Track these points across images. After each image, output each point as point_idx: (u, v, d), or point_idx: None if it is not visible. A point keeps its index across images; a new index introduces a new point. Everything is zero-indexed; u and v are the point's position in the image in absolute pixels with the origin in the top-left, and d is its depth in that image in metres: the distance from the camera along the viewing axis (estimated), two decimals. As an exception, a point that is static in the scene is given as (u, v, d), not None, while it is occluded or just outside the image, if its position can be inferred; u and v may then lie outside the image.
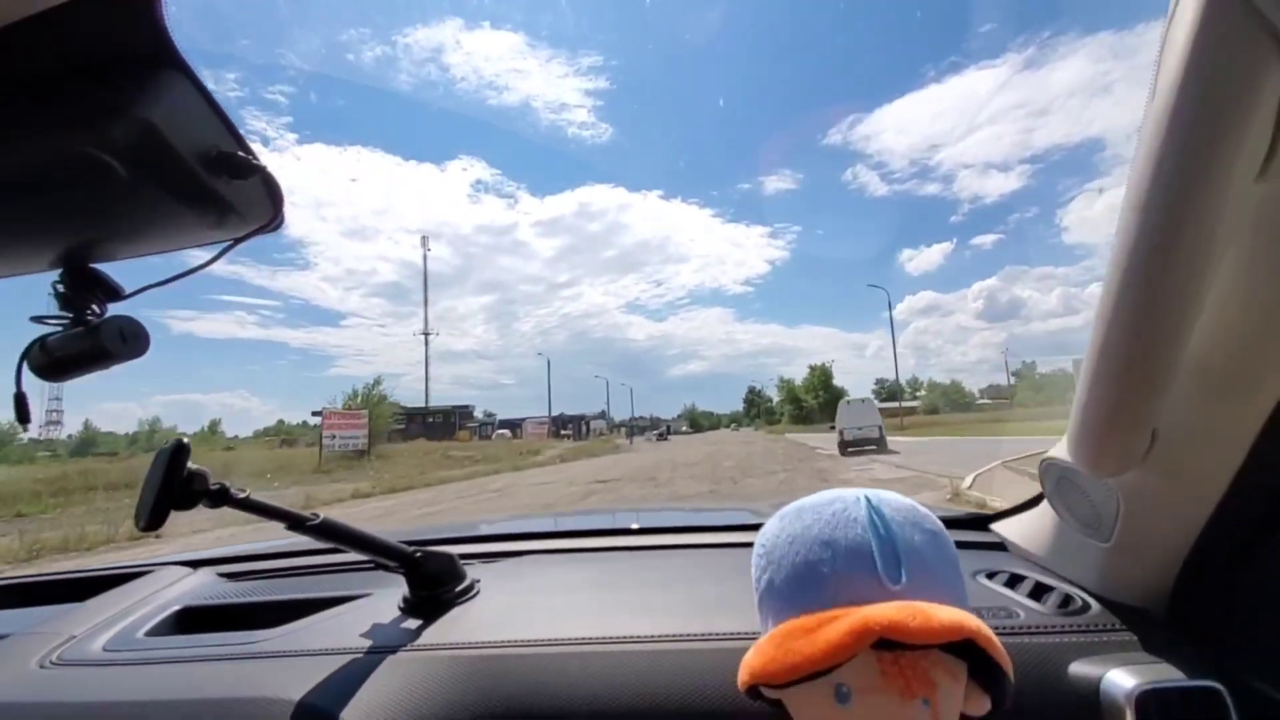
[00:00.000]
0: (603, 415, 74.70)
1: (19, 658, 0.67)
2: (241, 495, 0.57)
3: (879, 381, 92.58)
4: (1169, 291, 0.37)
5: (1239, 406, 0.46)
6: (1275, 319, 0.41)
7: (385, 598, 0.74)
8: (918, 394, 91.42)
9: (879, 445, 17.39)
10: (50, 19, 0.34)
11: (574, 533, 1.00)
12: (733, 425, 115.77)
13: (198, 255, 0.52)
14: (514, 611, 0.70)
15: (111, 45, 0.38)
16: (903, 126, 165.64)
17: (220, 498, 0.56)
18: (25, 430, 0.51)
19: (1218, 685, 0.50)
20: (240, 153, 0.45)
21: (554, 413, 69.01)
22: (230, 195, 0.45)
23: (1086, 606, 0.63)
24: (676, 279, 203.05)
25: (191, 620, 0.78)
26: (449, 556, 0.74)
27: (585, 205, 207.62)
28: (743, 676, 0.44)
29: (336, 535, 0.64)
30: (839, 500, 0.47)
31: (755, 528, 0.82)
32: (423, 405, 65.63)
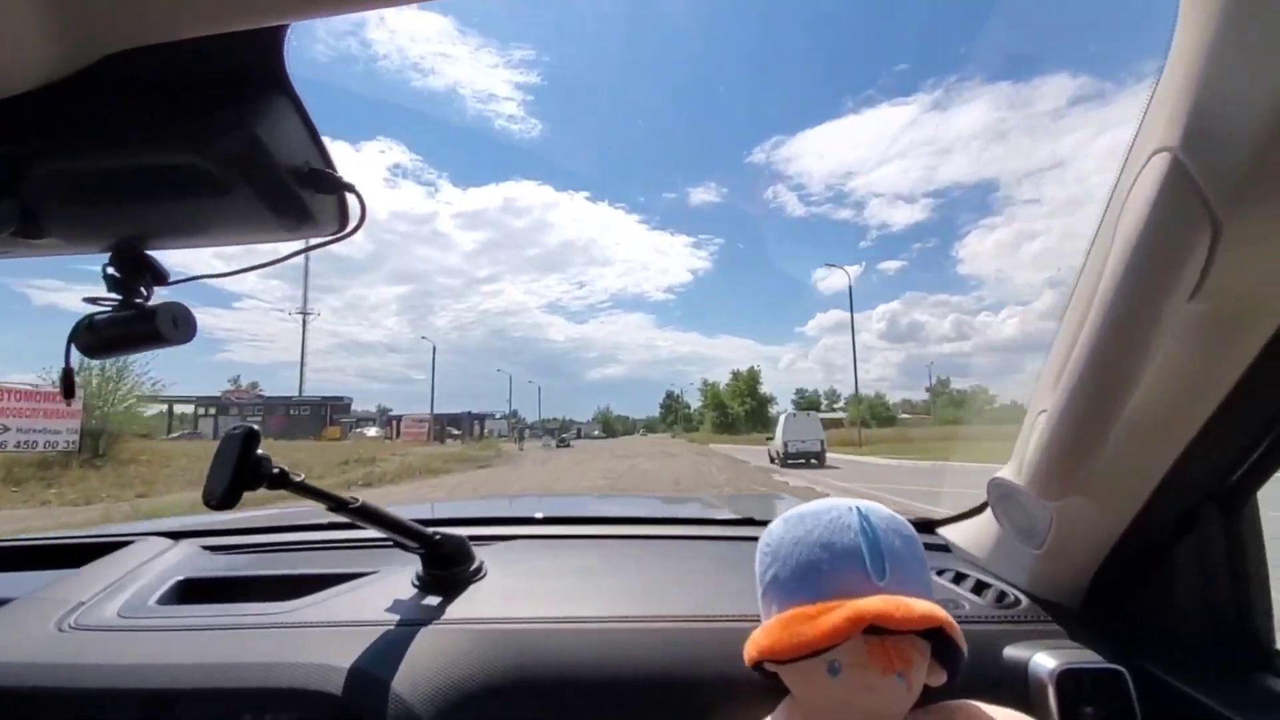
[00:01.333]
0: (504, 415, 65.84)
1: (36, 622, 0.71)
2: (298, 479, 0.63)
3: (799, 391, 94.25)
4: (1123, 370, 0.50)
5: (1152, 447, 0.60)
6: (1183, 387, 0.56)
7: (393, 576, 0.82)
8: (835, 406, 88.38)
9: (819, 460, 18.84)
10: (188, 40, 0.39)
11: (572, 519, 1.10)
12: (642, 430, 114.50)
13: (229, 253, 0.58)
14: (522, 592, 0.79)
15: (235, 66, 0.43)
16: (821, 152, 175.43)
17: (280, 481, 0.62)
18: (70, 403, 0.45)
19: (1121, 668, 0.63)
20: (327, 170, 0.50)
21: (456, 410, 63.23)
22: (312, 205, 0.51)
23: (1018, 601, 0.76)
24: (599, 282, 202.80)
25: (194, 591, 0.84)
26: (462, 540, 0.81)
27: (510, 200, 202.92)
28: (750, 653, 0.54)
29: (371, 517, 0.71)
30: (834, 509, 0.58)
31: (735, 523, 1.07)
32: (292, 395, 59.74)
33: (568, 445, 39.66)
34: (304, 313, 60.24)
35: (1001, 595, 0.78)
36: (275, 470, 0.60)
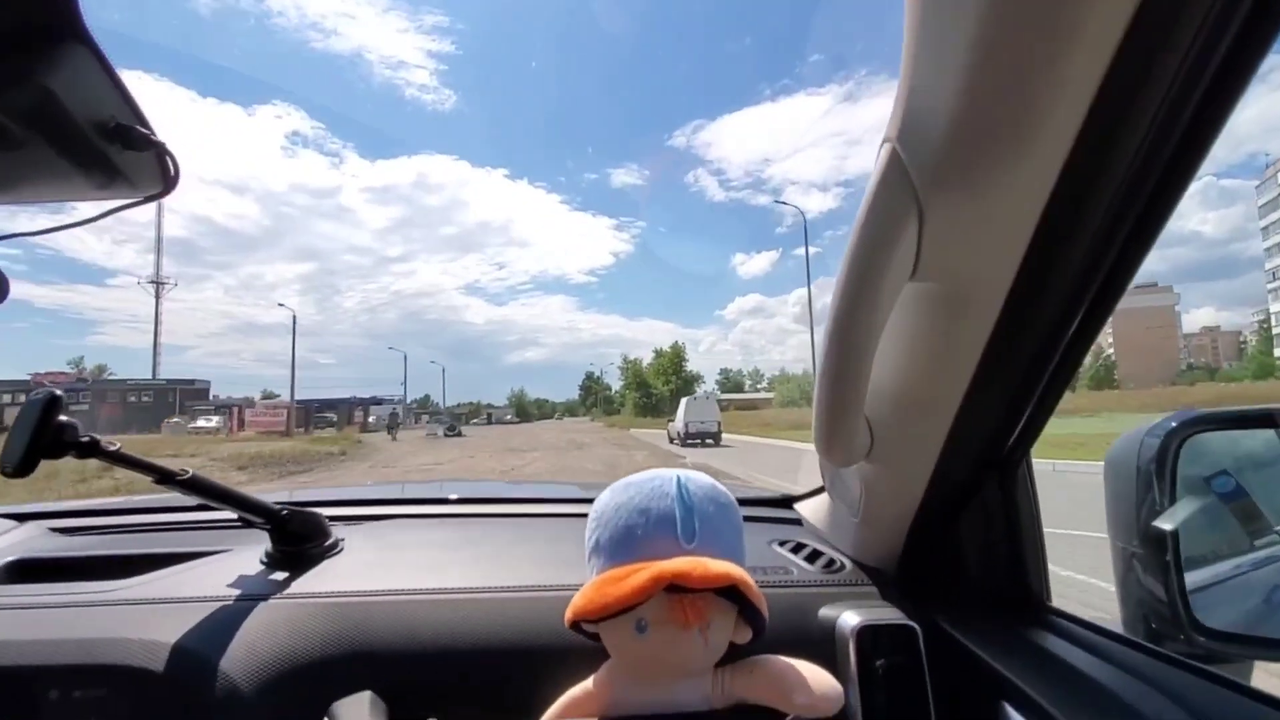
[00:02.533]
0: (399, 400, 57.04)
1: None
2: (113, 448, 0.62)
3: (723, 371, 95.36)
4: (855, 341, 0.55)
5: (928, 419, 0.65)
6: (937, 362, 0.61)
7: (244, 553, 0.82)
8: (759, 386, 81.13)
9: (715, 439, 21.07)
10: None
11: (431, 500, 1.16)
12: (560, 414, 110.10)
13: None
14: (374, 566, 0.81)
15: (20, 17, 0.42)
16: (740, 138, 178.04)
17: (90, 449, 0.60)
18: None
19: (913, 624, 0.70)
20: (137, 126, 0.49)
21: (343, 395, 57.88)
22: (122, 163, 0.50)
23: (843, 567, 0.85)
24: (519, 263, 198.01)
25: (25, 573, 0.82)
26: (314, 515, 0.83)
27: (423, 175, 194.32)
28: (568, 615, 0.57)
29: (205, 491, 0.70)
30: (658, 478, 0.62)
31: (585, 501, 1.01)
32: (146, 378, 53.72)
33: (456, 434, 33.76)
34: (157, 281, 54.76)
35: (831, 562, 0.87)
36: (84, 438, 0.59)
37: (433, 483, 2.55)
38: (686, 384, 63.58)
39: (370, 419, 55.04)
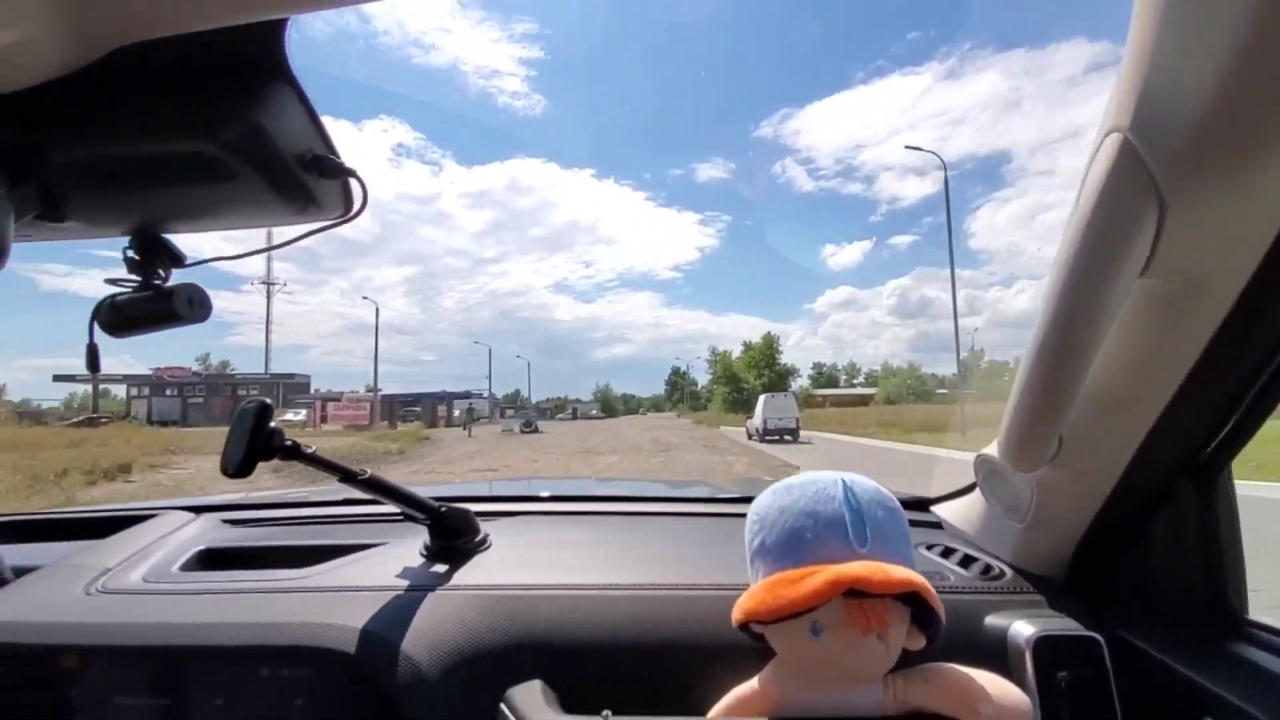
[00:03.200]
0: (487, 395, 59.50)
1: (65, 586, 0.79)
2: (309, 451, 0.70)
3: (815, 366, 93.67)
4: (1076, 345, 0.55)
5: (1124, 423, 0.65)
6: (1147, 361, 0.60)
7: (403, 546, 0.90)
8: (855, 381, 73.95)
9: (793, 436, 22.35)
10: (195, 33, 0.42)
11: (573, 498, 1.22)
12: (642, 410, 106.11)
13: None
14: (524, 561, 0.86)
15: (239, 58, 0.47)
16: (830, 125, 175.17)
17: (293, 452, 0.68)
18: (95, 376, 0.55)
19: (1097, 635, 0.68)
20: (330, 156, 0.55)
21: (432, 390, 58.05)
22: (316, 190, 0.55)
23: (1002, 574, 0.82)
24: (606, 261, 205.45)
25: (212, 561, 0.92)
26: (467, 512, 0.89)
27: (515, 179, 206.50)
28: (736, 615, 0.59)
29: (379, 489, 0.77)
30: (820, 480, 0.62)
31: (722, 500, 1.19)
32: (257, 373, 57.11)
33: (533, 431, 32.53)
34: (268, 282, 59.46)
35: (987, 568, 0.85)
36: (288, 443, 0.67)
37: (571, 480, 2.76)
38: (780, 377, 58.90)
39: (455, 413, 55.01)
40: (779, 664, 0.62)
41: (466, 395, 66.88)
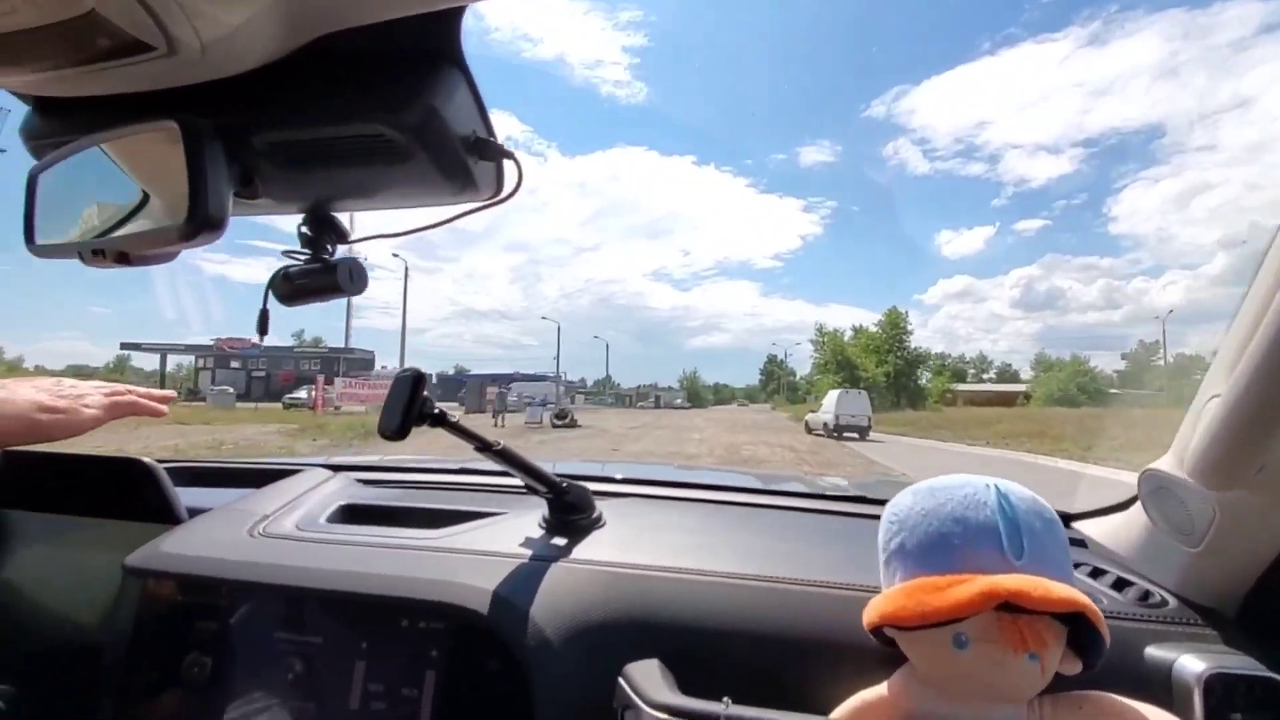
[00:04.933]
0: (552, 377, 59.53)
1: (232, 529, 0.93)
2: (454, 421, 0.76)
3: (939, 356, 76.93)
4: None
5: None
6: None
7: (523, 517, 0.97)
8: (984, 375, 60.31)
9: (862, 434, 22.39)
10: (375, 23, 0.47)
11: (684, 484, 1.26)
12: (739, 401, 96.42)
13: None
14: (637, 542, 0.90)
15: (418, 43, 0.50)
16: (951, 101, 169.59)
17: (440, 420, 0.74)
18: (262, 341, 0.69)
19: None
20: (492, 139, 0.58)
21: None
22: (475, 171, 0.58)
23: (1165, 602, 0.78)
24: (704, 249, 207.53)
25: (353, 515, 1.05)
26: (585, 489, 0.95)
27: (615, 168, 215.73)
28: (871, 617, 0.58)
29: (511, 460, 0.82)
30: (970, 485, 0.60)
31: (852, 500, 1.16)
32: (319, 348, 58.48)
33: (567, 424, 25.16)
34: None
35: (1146, 594, 0.80)
36: (436, 410, 0.73)
37: (689, 468, 2.69)
38: (910, 366, 46.43)
39: (512, 397, 48.67)
40: (910, 673, 0.62)
41: (540, 379, 61.14)
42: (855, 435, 22.42)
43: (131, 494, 0.97)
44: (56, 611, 0.96)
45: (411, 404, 0.71)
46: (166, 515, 0.96)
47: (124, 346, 52.99)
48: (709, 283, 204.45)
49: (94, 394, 0.85)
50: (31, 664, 0.89)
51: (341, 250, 0.67)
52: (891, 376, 47.27)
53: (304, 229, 0.66)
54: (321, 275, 0.65)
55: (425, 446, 1.56)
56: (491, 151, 0.58)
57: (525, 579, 0.78)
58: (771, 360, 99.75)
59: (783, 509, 1.13)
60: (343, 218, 0.67)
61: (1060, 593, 0.51)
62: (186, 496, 1.01)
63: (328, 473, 1.21)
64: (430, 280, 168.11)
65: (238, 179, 0.55)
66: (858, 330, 54.26)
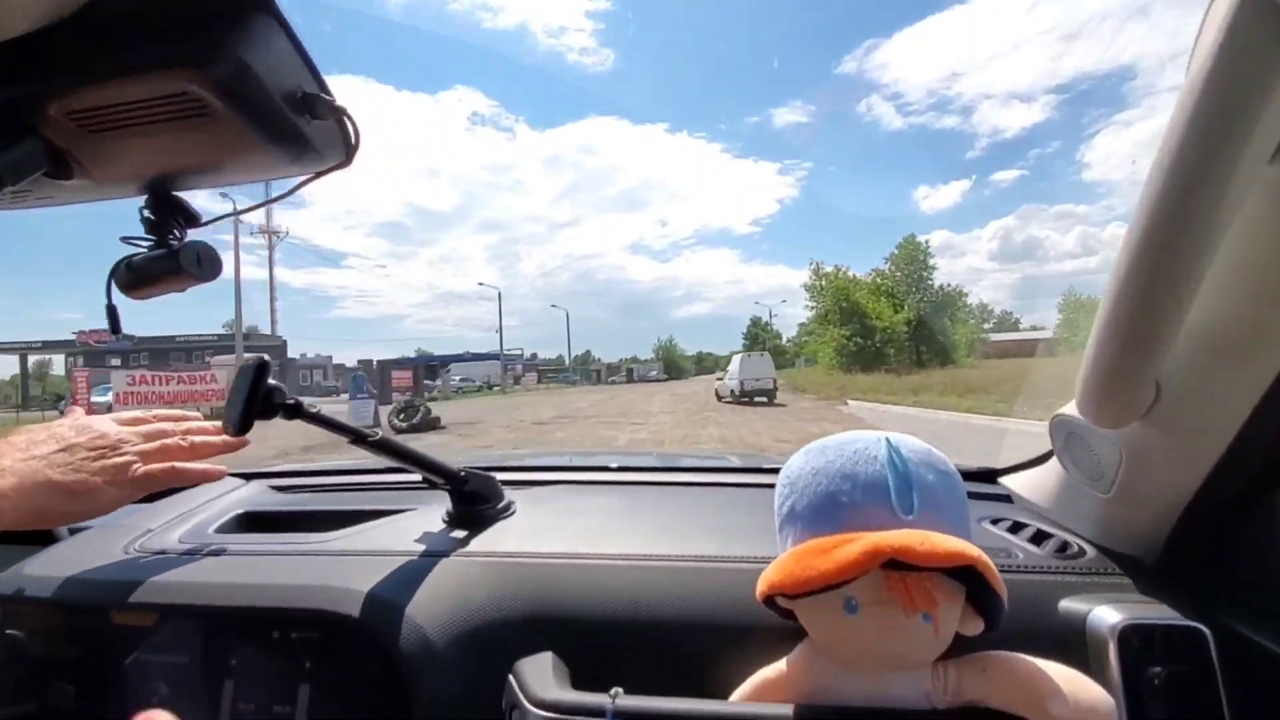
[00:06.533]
0: (495, 355, 41.92)
1: (106, 546, 0.89)
2: (313, 410, 0.73)
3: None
4: (1176, 258, 0.47)
5: (1242, 370, 0.57)
6: (1276, 285, 0.52)
7: (428, 513, 0.96)
8: (984, 325, 62.19)
9: (769, 397, 22.94)
10: None
11: (600, 467, 1.26)
12: (722, 371, 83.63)
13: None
14: (547, 529, 0.90)
15: None
16: (923, 53, 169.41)
17: (295, 410, 0.70)
18: (117, 339, 0.71)
19: (1201, 626, 0.61)
20: (323, 94, 0.55)
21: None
22: (310, 134, 0.55)
23: (1082, 552, 0.78)
24: (682, 218, 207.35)
25: (251, 523, 1.03)
26: (490, 478, 0.95)
27: (587, 139, 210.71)
28: (761, 588, 0.55)
29: (394, 452, 0.80)
30: (860, 440, 0.58)
31: (763, 471, 1.13)
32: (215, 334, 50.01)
33: (417, 427, 16.61)
34: (269, 232, 51.15)
35: (1064, 545, 0.79)
36: (290, 400, 0.69)
37: (595, 452, 2.68)
38: (937, 309, 36.62)
39: (453, 379, 48.46)
40: (810, 645, 0.60)
41: (489, 357, 52.93)
42: (764, 399, 23.05)
43: None
44: None
45: (254, 395, 0.66)
46: (42, 535, 0.92)
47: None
48: (689, 252, 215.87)
49: (134, 454, 0.77)
50: None
51: (191, 235, 0.64)
52: (914, 324, 38.40)
53: (146, 213, 0.62)
54: (167, 261, 0.62)
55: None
56: (324, 108, 0.54)
57: (409, 577, 0.76)
58: (755, 323, 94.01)
59: (704, 485, 1.14)
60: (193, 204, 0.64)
61: (947, 545, 0.48)
62: None
63: (239, 481, 1.20)
64: (403, 265, 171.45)
65: (39, 155, 0.52)
66: (878, 273, 43.70)
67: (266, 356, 0.69)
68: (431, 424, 17.52)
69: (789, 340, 76.88)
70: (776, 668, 0.61)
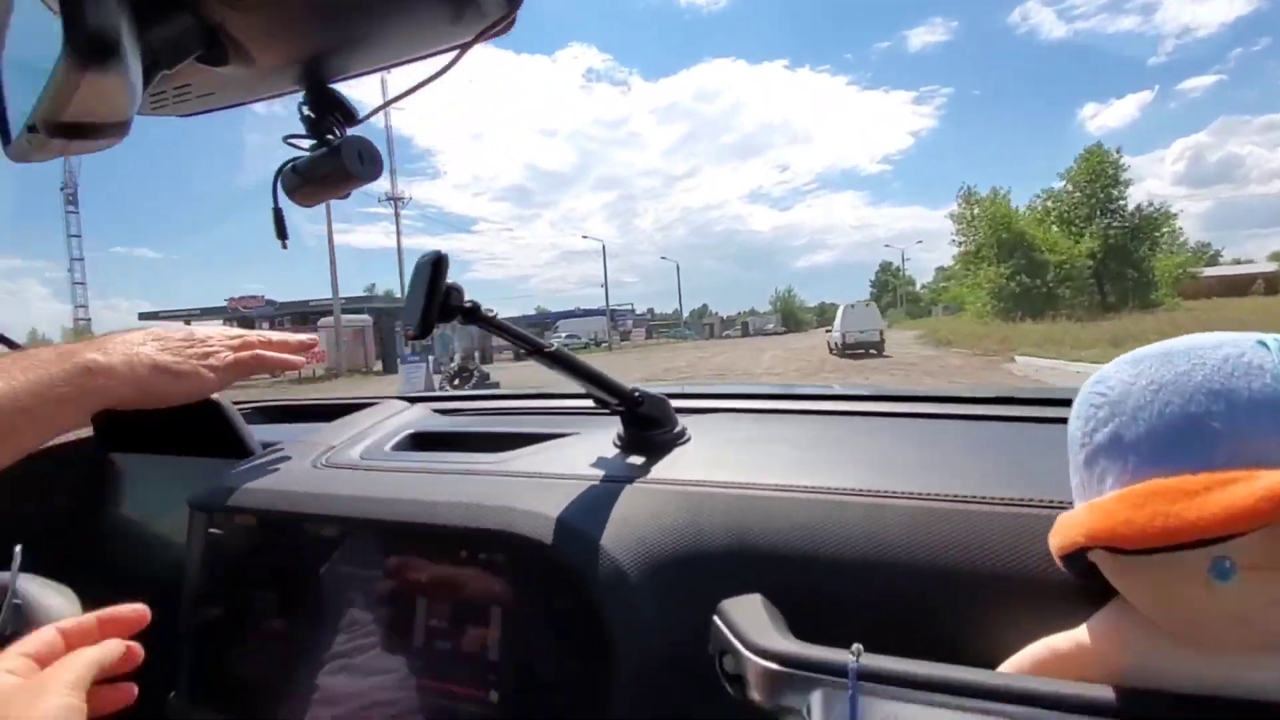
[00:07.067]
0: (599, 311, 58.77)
1: (296, 460, 0.92)
2: (490, 314, 0.67)
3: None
4: None
5: None
6: None
7: (595, 438, 0.87)
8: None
9: (878, 350, 21.33)
10: None
11: (785, 395, 1.13)
12: (828, 329, 78.27)
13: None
14: (729, 459, 0.78)
15: None
16: None
17: (472, 314, 0.64)
18: (285, 246, 0.67)
19: None
20: None
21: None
22: None
23: None
24: (803, 162, 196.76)
25: (423, 442, 1.03)
26: (664, 400, 0.83)
27: (702, 86, 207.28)
28: (1072, 536, 0.43)
29: (567, 365, 0.71)
30: (1228, 344, 0.42)
31: (1002, 401, 0.89)
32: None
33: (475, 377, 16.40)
34: (394, 198, 48.65)
35: None
36: (468, 304, 0.63)
37: (776, 386, 2.22)
38: (1132, 236, 29.00)
39: (560, 337, 46.72)
40: (1124, 613, 0.45)
41: (597, 313, 51.99)
42: (871, 352, 21.71)
43: (203, 430, 0.97)
44: (136, 548, 1.08)
45: (433, 292, 0.59)
46: (237, 450, 0.96)
47: (142, 317, 52.10)
48: (811, 198, 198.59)
49: (221, 348, 0.84)
50: (119, 598, 0.83)
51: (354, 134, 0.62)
52: (1099, 257, 30.38)
53: (305, 110, 0.62)
54: (330, 160, 0.61)
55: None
56: None
57: (593, 503, 0.69)
58: (885, 269, 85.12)
59: (920, 416, 0.91)
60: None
61: None
62: (258, 434, 1.03)
63: (404, 404, 1.17)
64: (528, 228, 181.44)
65: (193, 35, 0.50)
66: (1046, 193, 34.40)
67: (443, 250, 0.62)
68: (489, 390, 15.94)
69: (923, 286, 69.10)
70: (1070, 637, 0.46)
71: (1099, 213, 32.20)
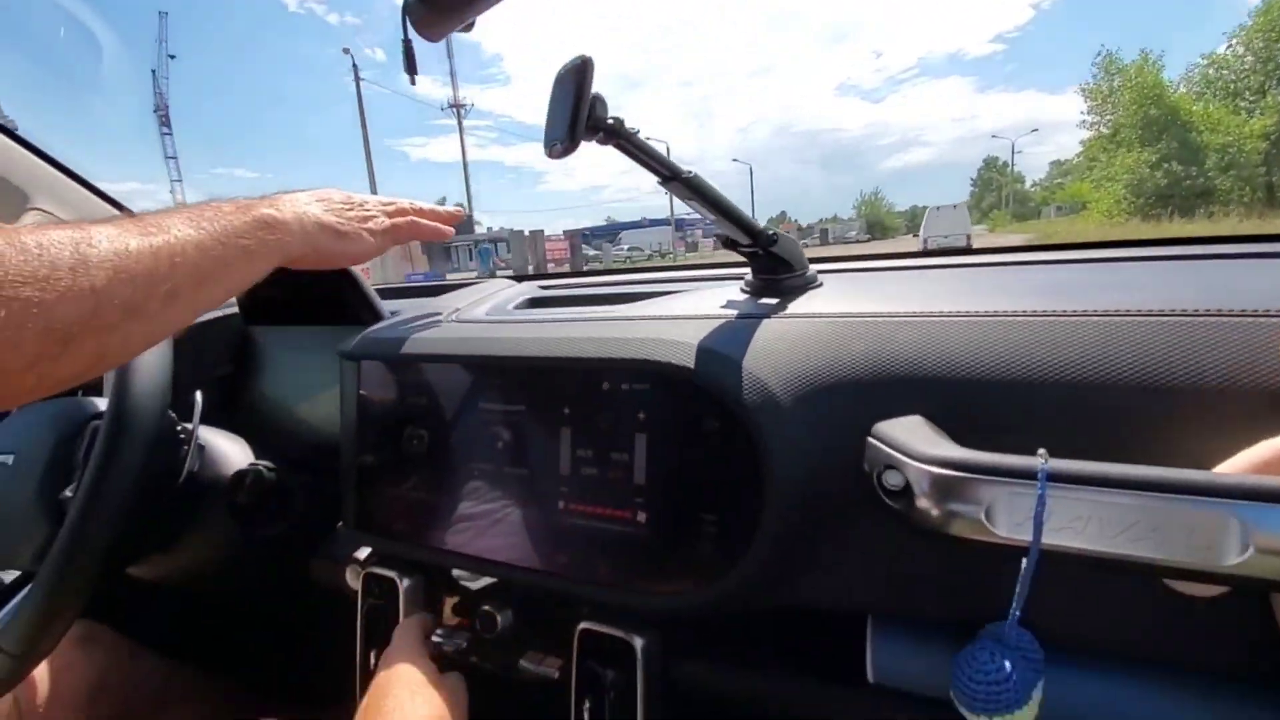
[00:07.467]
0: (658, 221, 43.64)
1: (428, 319, 0.94)
2: (635, 132, 0.62)
3: None
4: None
5: None
6: None
7: (722, 290, 0.86)
8: None
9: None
10: None
11: (919, 254, 1.16)
12: (913, 236, 71.70)
13: None
14: (865, 294, 0.77)
15: None
16: None
17: (615, 132, 0.59)
18: (414, 82, 0.68)
19: None
20: None
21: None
22: None
23: None
24: (900, 45, 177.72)
25: (540, 304, 1.05)
26: (796, 241, 0.81)
27: None
28: None
29: (703, 194, 0.68)
30: None
31: (1176, 242, 0.85)
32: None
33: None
34: (457, 106, 51.30)
35: None
36: (611, 119, 0.58)
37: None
38: None
39: (621, 249, 47.59)
40: None
41: (662, 224, 50.12)
42: None
43: (339, 300, 1.04)
44: (296, 407, 1.12)
45: (579, 103, 0.54)
46: (369, 316, 1.03)
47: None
48: (908, 87, 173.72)
49: (379, 214, 0.86)
50: (287, 449, 1.03)
51: None
52: (1276, 138, 23.22)
53: None
54: None
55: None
56: None
57: (733, 335, 0.68)
58: (989, 164, 74.81)
59: (1091, 262, 0.85)
60: None
61: None
62: (386, 306, 1.13)
63: (510, 282, 1.22)
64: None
65: None
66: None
67: (590, 55, 0.58)
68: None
69: (1034, 185, 60.79)
70: None
71: (1278, 82, 25.37)
